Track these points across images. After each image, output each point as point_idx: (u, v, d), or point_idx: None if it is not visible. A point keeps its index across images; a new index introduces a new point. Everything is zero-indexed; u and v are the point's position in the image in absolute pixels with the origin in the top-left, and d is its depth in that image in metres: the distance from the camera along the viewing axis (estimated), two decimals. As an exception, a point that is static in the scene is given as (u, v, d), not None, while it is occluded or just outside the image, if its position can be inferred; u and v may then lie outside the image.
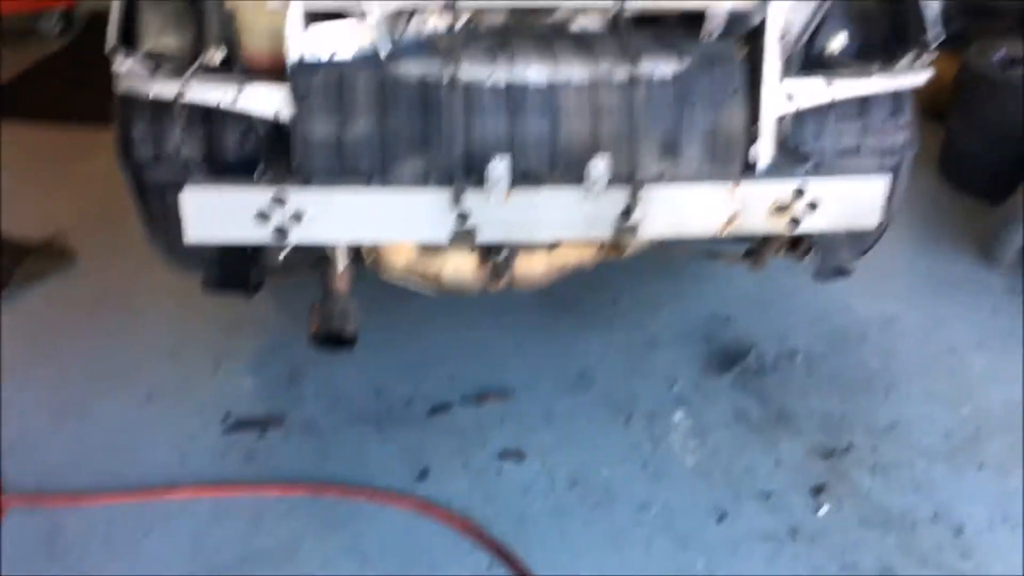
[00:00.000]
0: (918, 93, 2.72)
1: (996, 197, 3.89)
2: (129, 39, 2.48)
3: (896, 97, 2.68)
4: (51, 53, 6.16)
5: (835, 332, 3.42)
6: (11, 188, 4.29)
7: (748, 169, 2.52)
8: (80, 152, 4.58)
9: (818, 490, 2.75)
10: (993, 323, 3.47)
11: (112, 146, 2.61)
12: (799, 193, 2.41)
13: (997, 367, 3.23)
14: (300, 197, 2.32)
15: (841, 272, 2.69)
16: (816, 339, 3.38)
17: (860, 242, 2.83)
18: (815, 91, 2.51)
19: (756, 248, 2.93)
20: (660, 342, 3.39)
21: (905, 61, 2.58)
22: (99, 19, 2.52)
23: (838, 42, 2.51)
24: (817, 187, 2.40)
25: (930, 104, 4.63)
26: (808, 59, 2.63)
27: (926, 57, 2.58)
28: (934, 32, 2.57)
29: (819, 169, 2.61)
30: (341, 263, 2.61)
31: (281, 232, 2.35)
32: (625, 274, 3.63)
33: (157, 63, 2.44)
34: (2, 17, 6.23)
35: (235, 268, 2.61)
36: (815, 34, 2.65)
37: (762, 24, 2.49)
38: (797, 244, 2.76)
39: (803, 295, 3.58)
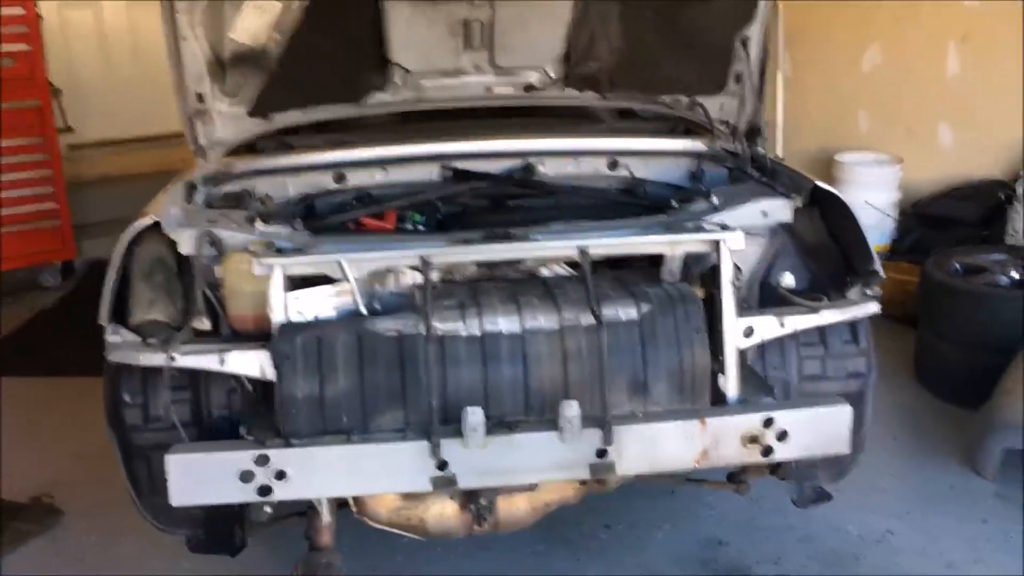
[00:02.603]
0: (889, 302, 2.85)
1: (973, 403, 3.95)
2: (120, 310, 2.62)
3: (851, 325, 2.81)
4: (50, 305, 6.38)
5: (829, 553, 3.38)
6: (2, 444, 4.33)
7: (717, 403, 2.60)
8: (74, 405, 4.66)
9: None
10: (986, 533, 3.44)
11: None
12: (768, 423, 2.48)
13: (996, 582, 3.19)
14: (283, 456, 2.39)
15: (820, 497, 2.72)
16: (810, 560, 3.34)
17: (836, 466, 2.88)
18: (770, 326, 2.63)
19: (737, 473, 2.97)
20: (656, 569, 3.35)
21: (854, 292, 2.72)
22: (99, 267, 2.67)
23: (788, 280, 2.66)
24: (785, 417, 2.48)
25: (901, 312, 4.82)
26: (764, 294, 2.78)
27: (875, 288, 2.72)
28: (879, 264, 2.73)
29: (787, 397, 2.70)
30: (325, 515, 2.64)
31: (265, 490, 2.40)
32: (617, 495, 3.62)
33: (146, 334, 2.56)
34: (4, 271, 6.49)
35: (220, 528, 2.65)
36: (769, 271, 2.82)
37: (717, 264, 2.64)
38: (779, 466, 2.81)
39: (795, 513, 3.54)
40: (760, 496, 3.54)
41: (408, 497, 2.66)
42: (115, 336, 2.57)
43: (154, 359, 2.52)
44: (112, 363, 2.62)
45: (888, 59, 5.95)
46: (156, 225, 2.67)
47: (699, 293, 2.71)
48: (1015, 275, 4.31)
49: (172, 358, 2.50)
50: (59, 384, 5.04)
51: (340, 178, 3.42)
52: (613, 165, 3.51)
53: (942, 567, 3.28)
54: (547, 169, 3.51)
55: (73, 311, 6.22)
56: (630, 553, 3.43)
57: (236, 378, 2.65)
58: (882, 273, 2.72)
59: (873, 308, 2.73)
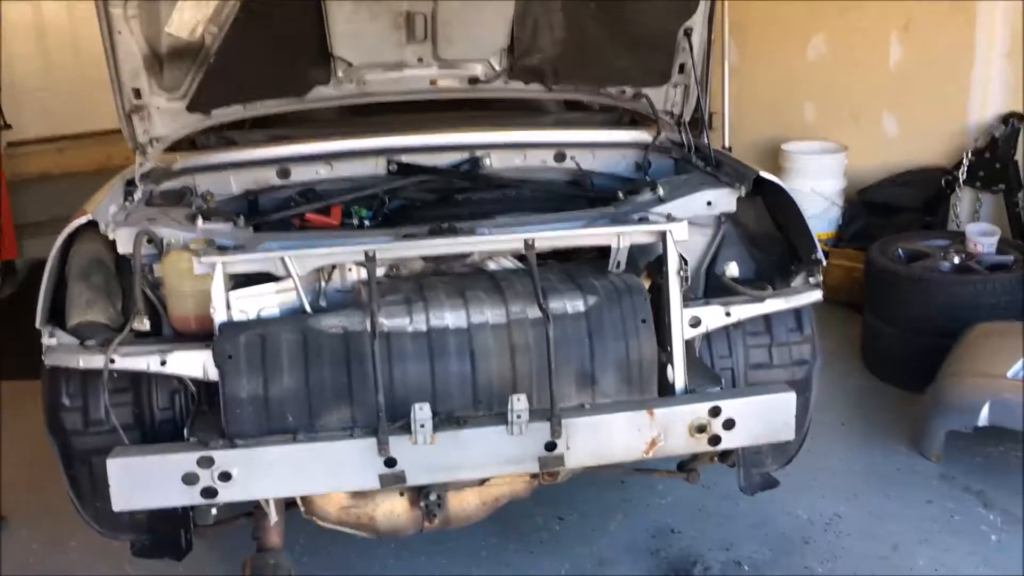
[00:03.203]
0: (836, 288, 2.88)
1: (918, 387, 4.02)
2: (58, 313, 2.56)
3: (796, 313, 2.83)
4: (-11, 307, 6.23)
5: (778, 536, 3.43)
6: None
7: (665, 393, 2.61)
8: (16, 409, 4.55)
9: None
10: (931, 514, 3.51)
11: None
12: (715, 412, 2.50)
13: (941, 561, 3.24)
14: (227, 457, 2.35)
15: (768, 484, 2.75)
16: (760, 545, 3.38)
17: (783, 452, 2.92)
18: (716, 316, 2.65)
19: (688, 462, 3.00)
20: (608, 560, 3.36)
21: (798, 281, 2.75)
22: (42, 267, 2.60)
23: (732, 269, 2.68)
24: (731, 406, 2.50)
25: (848, 298, 4.89)
26: (710, 284, 2.80)
27: (818, 276, 2.75)
28: (821, 252, 2.75)
29: (734, 385, 2.72)
30: (273, 516, 2.61)
31: (210, 492, 2.37)
32: (569, 488, 3.63)
33: (85, 336, 2.50)
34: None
35: (165, 532, 2.61)
36: (714, 260, 2.84)
37: (663, 254, 2.65)
38: (727, 454, 2.83)
39: (744, 499, 3.57)
40: (711, 483, 3.58)
41: (357, 495, 2.64)
42: (52, 339, 2.52)
43: (93, 361, 2.47)
44: (50, 366, 2.56)
45: (833, 49, 6.01)
46: (93, 224, 2.61)
47: (646, 284, 2.72)
48: (956, 260, 4.39)
49: (111, 360, 2.45)
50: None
51: (284, 174, 3.37)
52: (560, 157, 3.50)
53: (888, 548, 3.34)
54: (494, 162, 3.50)
55: (14, 313, 6.06)
56: (583, 544, 3.44)
57: (178, 379, 2.61)
58: (824, 261, 2.75)
59: (816, 296, 2.77)
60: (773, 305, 2.72)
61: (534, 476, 2.73)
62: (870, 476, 3.81)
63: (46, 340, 2.52)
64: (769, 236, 2.90)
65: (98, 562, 3.36)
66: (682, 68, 3.39)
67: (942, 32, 5.35)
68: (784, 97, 6.31)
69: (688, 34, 3.27)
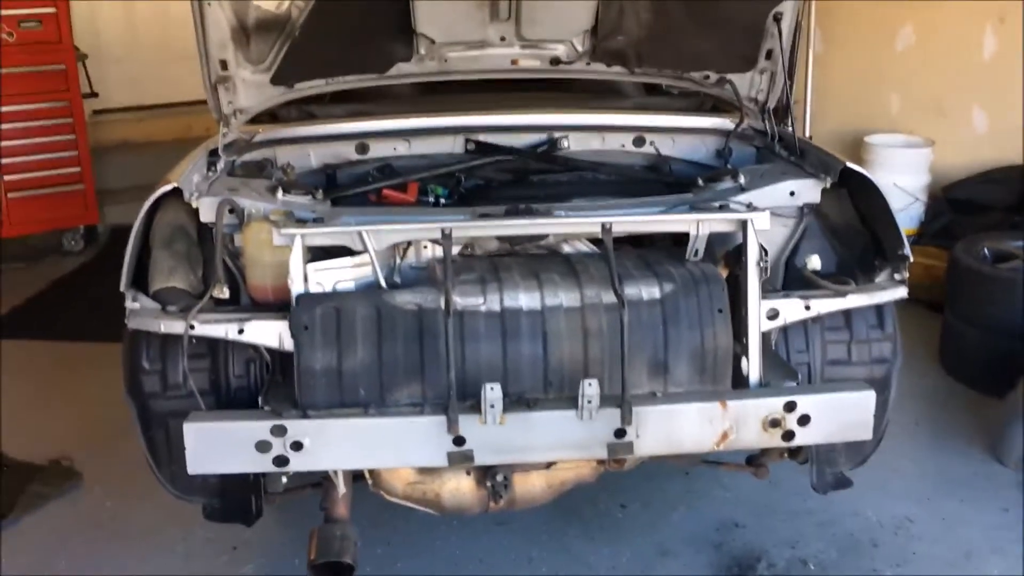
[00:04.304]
0: (916, 286, 2.79)
1: (997, 391, 3.90)
2: (141, 278, 2.61)
3: (878, 309, 2.76)
4: (72, 270, 6.42)
5: (846, 537, 3.36)
6: (21, 407, 4.37)
7: (739, 385, 2.56)
8: (94, 370, 4.69)
9: None
10: (1007, 522, 3.41)
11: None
12: (790, 407, 2.45)
13: (1015, 571, 3.14)
14: (299, 427, 2.38)
15: (841, 483, 2.69)
16: (827, 545, 3.32)
17: (857, 451, 2.84)
18: (795, 309, 2.59)
19: (757, 456, 2.95)
20: (670, 550, 3.33)
21: (883, 277, 2.67)
22: (122, 233, 2.67)
23: (814, 262, 2.61)
24: (807, 402, 2.44)
25: (927, 296, 4.76)
26: (789, 276, 2.74)
27: (904, 272, 2.67)
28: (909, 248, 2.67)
29: (810, 381, 2.66)
30: (341, 488, 2.63)
31: (281, 461, 2.40)
32: (634, 476, 3.60)
33: (166, 301, 2.55)
34: (28, 235, 6.53)
35: (236, 497, 2.66)
36: (795, 252, 2.77)
37: (743, 244, 2.60)
38: (798, 450, 2.78)
39: (812, 497, 3.50)
40: (778, 479, 3.51)
41: (424, 472, 2.66)
42: (135, 303, 2.56)
43: (173, 327, 2.51)
44: (131, 330, 2.62)
45: (922, 40, 5.84)
46: (177, 192, 2.65)
47: (723, 273, 2.67)
48: (1045, 262, 4.24)
49: (191, 326, 2.49)
50: (79, 349, 5.06)
51: (362, 149, 3.38)
52: (639, 142, 3.45)
53: (960, 556, 3.25)
54: (572, 144, 3.46)
55: (95, 277, 6.25)
56: (645, 533, 3.42)
57: (255, 348, 2.65)
58: (911, 258, 2.67)
59: (901, 293, 2.68)
60: (855, 300, 2.64)
61: (601, 462, 2.71)
62: (943, 480, 3.70)
63: (129, 304, 2.56)
64: (853, 229, 2.82)
65: (169, 524, 3.45)
66: (769, 54, 3.31)
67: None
68: (869, 88, 6.15)
69: (778, 19, 3.18)
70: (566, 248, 2.81)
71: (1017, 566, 3.18)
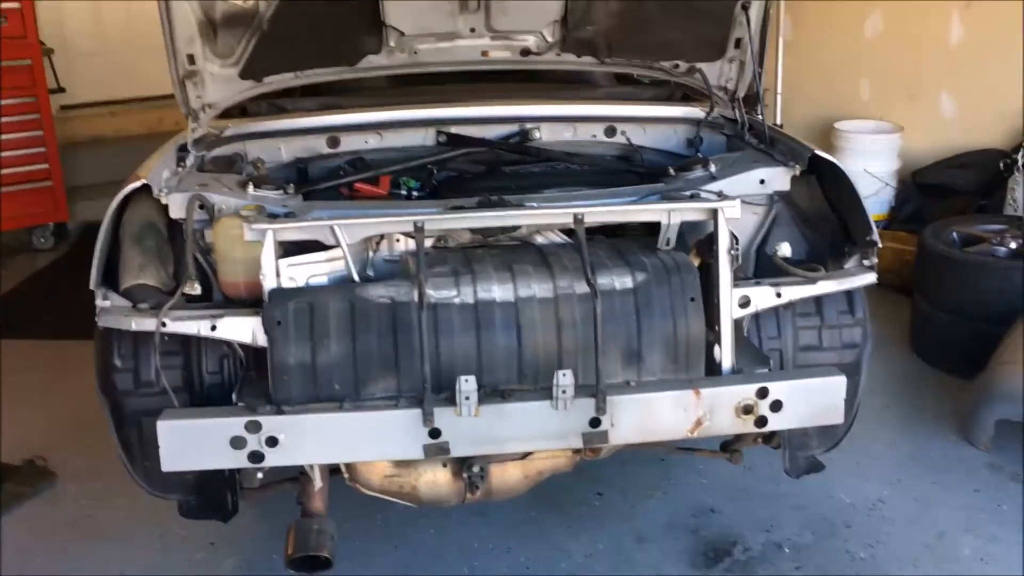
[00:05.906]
0: (886, 271, 2.82)
1: (967, 373, 3.95)
2: (111, 275, 2.59)
3: (848, 295, 2.79)
4: (43, 268, 6.35)
5: (820, 520, 3.40)
6: (-5, 407, 4.33)
7: (712, 372, 2.59)
8: (64, 368, 4.65)
9: None
10: (978, 503, 3.46)
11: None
12: (763, 393, 2.47)
13: (986, 551, 3.20)
14: (274, 423, 2.38)
15: (813, 467, 2.72)
16: (801, 528, 3.36)
17: (830, 435, 2.88)
18: (766, 297, 2.61)
19: (731, 442, 2.97)
20: (647, 537, 3.36)
21: (852, 263, 2.70)
22: (93, 229, 2.64)
23: (784, 249, 2.64)
24: (779, 387, 2.47)
25: (898, 281, 4.81)
26: (760, 263, 2.76)
27: (872, 258, 2.70)
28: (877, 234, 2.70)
29: (782, 367, 2.69)
30: (318, 482, 2.63)
31: (257, 456, 2.40)
32: (610, 464, 3.62)
33: (137, 299, 2.54)
34: (-1, 233, 6.46)
35: (212, 493, 2.65)
36: (765, 240, 2.79)
37: (714, 232, 2.62)
38: (772, 435, 2.81)
39: (786, 481, 3.54)
40: (753, 464, 3.54)
41: (400, 464, 2.66)
42: (105, 301, 2.55)
43: (145, 324, 2.50)
44: (103, 328, 2.60)
45: (891, 26, 5.88)
46: (147, 188, 2.63)
47: (695, 262, 2.69)
48: (1013, 245, 4.29)
49: (163, 323, 2.48)
50: (52, 347, 5.02)
51: (334, 142, 3.37)
52: (610, 131, 3.46)
53: (933, 536, 3.30)
54: (544, 135, 3.47)
55: (66, 274, 6.19)
56: (622, 520, 3.44)
57: (228, 344, 2.64)
58: (880, 243, 2.70)
59: (871, 278, 2.72)
60: (825, 287, 2.67)
61: (576, 451, 2.72)
62: (915, 462, 3.75)
63: (100, 302, 2.55)
64: (822, 216, 2.85)
65: (144, 522, 3.43)
66: (738, 43, 3.32)
67: (1004, 10, 5.20)
68: (839, 74, 6.19)
69: (746, 8, 3.20)
70: (539, 239, 2.82)
71: (989, 545, 3.23)
